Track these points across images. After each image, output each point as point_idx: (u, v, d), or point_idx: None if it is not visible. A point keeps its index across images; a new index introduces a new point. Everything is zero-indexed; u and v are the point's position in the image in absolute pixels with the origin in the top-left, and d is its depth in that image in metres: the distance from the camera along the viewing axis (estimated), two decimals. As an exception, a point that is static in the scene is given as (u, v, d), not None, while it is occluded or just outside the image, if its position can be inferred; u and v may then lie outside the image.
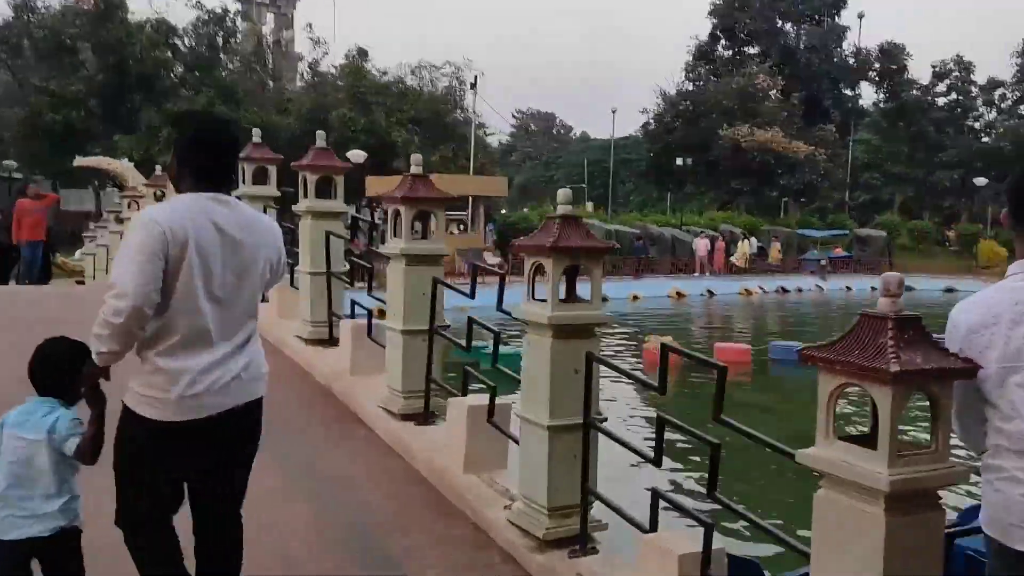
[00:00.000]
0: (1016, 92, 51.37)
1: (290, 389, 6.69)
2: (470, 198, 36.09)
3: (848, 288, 39.16)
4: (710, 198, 49.94)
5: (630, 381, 12.72)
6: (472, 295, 5.70)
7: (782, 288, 37.08)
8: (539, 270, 4.22)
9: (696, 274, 35.84)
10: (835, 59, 51.84)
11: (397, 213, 5.82)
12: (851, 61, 52.37)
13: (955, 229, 51.35)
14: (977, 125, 53.42)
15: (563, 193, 4.28)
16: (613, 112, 72.86)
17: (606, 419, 4.32)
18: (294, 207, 7.45)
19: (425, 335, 5.75)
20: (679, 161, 42.24)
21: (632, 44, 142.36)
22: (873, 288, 40.15)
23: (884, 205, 58.77)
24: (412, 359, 5.76)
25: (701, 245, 36.87)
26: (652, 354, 15.94)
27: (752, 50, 53.39)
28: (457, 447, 5.07)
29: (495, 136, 64.89)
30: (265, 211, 8.99)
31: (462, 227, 35.91)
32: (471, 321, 5.34)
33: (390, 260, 5.88)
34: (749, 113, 44.86)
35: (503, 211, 36.86)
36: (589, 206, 61.58)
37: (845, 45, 52.27)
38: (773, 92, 46.34)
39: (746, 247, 38.53)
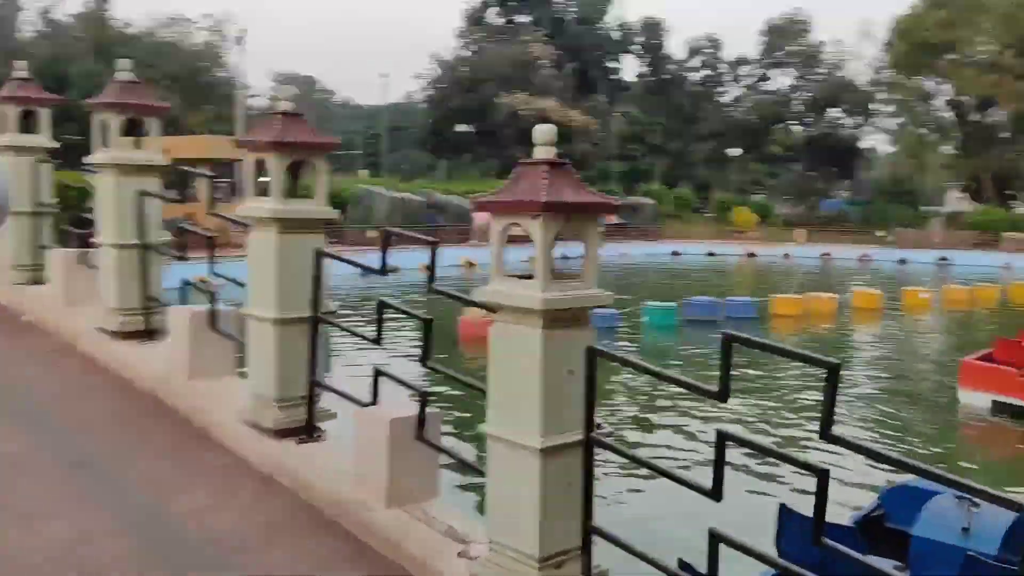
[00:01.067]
0: (760, 69, 55.70)
1: (101, 401, 4.98)
2: (234, 164, 33.20)
3: (625, 254, 40.66)
4: (489, 166, 49.83)
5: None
6: (383, 270, 4.42)
7: (564, 255, 37.52)
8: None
9: (475, 242, 35.45)
10: (601, 32, 53.36)
11: (261, 164, 4.38)
12: (615, 34, 54.16)
13: (711, 197, 55.19)
14: (726, 99, 57.41)
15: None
16: (384, 77, 71.11)
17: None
18: (88, 159, 5.65)
19: (306, 324, 4.38)
20: (460, 128, 41.53)
21: (401, 7, 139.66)
22: (648, 254, 42.23)
23: (644, 174, 61.95)
24: (290, 356, 4.35)
25: (481, 215, 36.40)
26: (472, 327, 15.06)
27: (524, 18, 53.76)
28: (375, 474, 3.80)
29: (258, 99, 60.79)
30: (39, 166, 7.03)
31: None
32: (382, 305, 4.05)
33: (252, 227, 4.42)
34: (525, 82, 45.03)
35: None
36: (364, 172, 59.64)
37: (609, 18, 53.97)
38: (545, 62, 46.84)
39: None
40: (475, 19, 53.64)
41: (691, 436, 10.01)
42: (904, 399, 12.35)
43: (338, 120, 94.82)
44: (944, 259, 38.16)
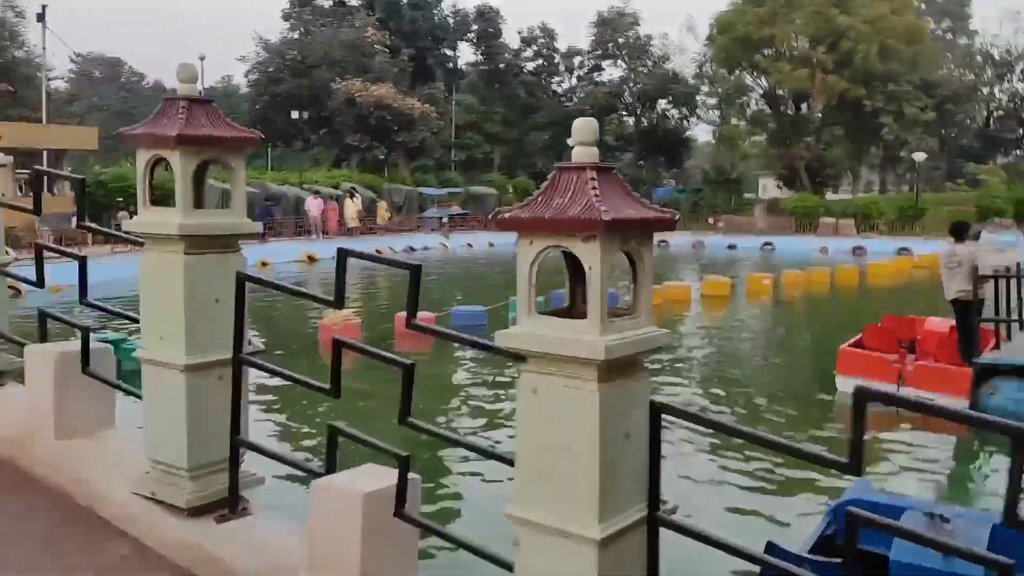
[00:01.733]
0: (592, 60, 56.75)
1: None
2: (45, 152, 30.24)
3: (470, 245, 40.19)
4: (323, 155, 47.91)
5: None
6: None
7: (410, 247, 36.74)
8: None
9: (313, 236, 33.65)
10: (436, 18, 52.51)
11: (156, 164, 3.45)
12: (451, 21, 53.46)
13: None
14: (560, 90, 58.15)
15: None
16: (202, 60, 66.98)
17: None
18: None
19: (225, 369, 3.47)
20: (294, 114, 39.51)
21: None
22: (491, 243, 41.91)
23: (482, 163, 61.82)
24: (206, 411, 3.43)
25: (314, 205, 34.41)
26: (330, 329, 13.96)
27: (354, 1, 52.02)
28: (344, 562, 2.97)
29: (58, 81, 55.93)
30: None
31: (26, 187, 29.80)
32: (338, 345, 3.22)
33: (148, 247, 3.47)
34: (360, 68, 43.51)
35: (96, 167, 31.18)
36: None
37: (444, 4, 53.22)
38: (380, 47, 45.47)
39: (356, 206, 37.11)
40: (302, 0, 51.37)
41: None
42: (777, 387, 12.54)
43: (150, 105, 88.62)
44: (768, 244, 40.35)
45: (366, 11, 48.30)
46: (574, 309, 2.68)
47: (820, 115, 46.65)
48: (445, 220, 41.52)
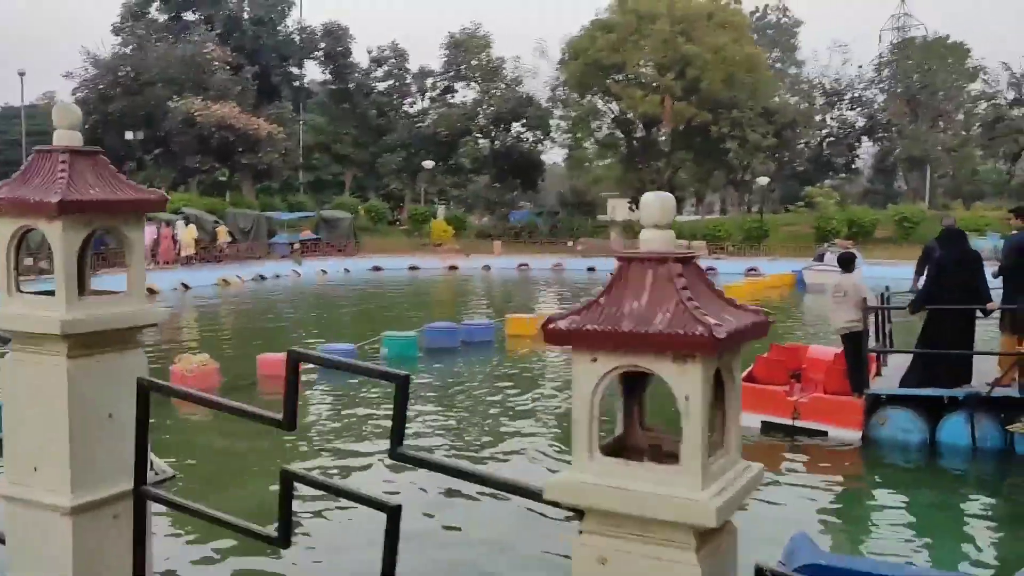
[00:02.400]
0: (444, 81, 56.39)
1: None
2: None
3: (324, 271, 38.63)
4: (160, 176, 44.97)
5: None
6: (291, 422, 2.80)
7: (260, 275, 34.85)
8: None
9: (149, 266, 31.16)
10: (281, 35, 50.69)
11: (25, 236, 2.66)
12: (296, 38, 51.76)
13: (406, 209, 54.79)
14: (412, 111, 57.42)
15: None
16: (21, 76, 62.08)
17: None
18: None
19: (124, 504, 2.66)
20: (128, 135, 36.82)
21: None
22: (347, 270, 40.52)
23: (332, 185, 60.12)
24: (96, 562, 2.61)
25: (147, 232, 32.19)
26: (182, 377, 12.64)
27: (191, 16, 49.41)
28: None
29: None
30: None
31: None
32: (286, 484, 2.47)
33: (15, 346, 2.65)
34: (200, 85, 41.18)
35: None
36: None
37: (290, 21, 51.42)
38: (221, 64, 43.24)
39: (193, 232, 34.34)
40: (135, 14, 48.31)
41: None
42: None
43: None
44: (625, 266, 41.14)
45: (205, 26, 45.88)
46: (627, 440, 2.16)
47: (669, 139, 48.28)
48: (296, 245, 39.85)
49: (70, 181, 2.41)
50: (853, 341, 10.25)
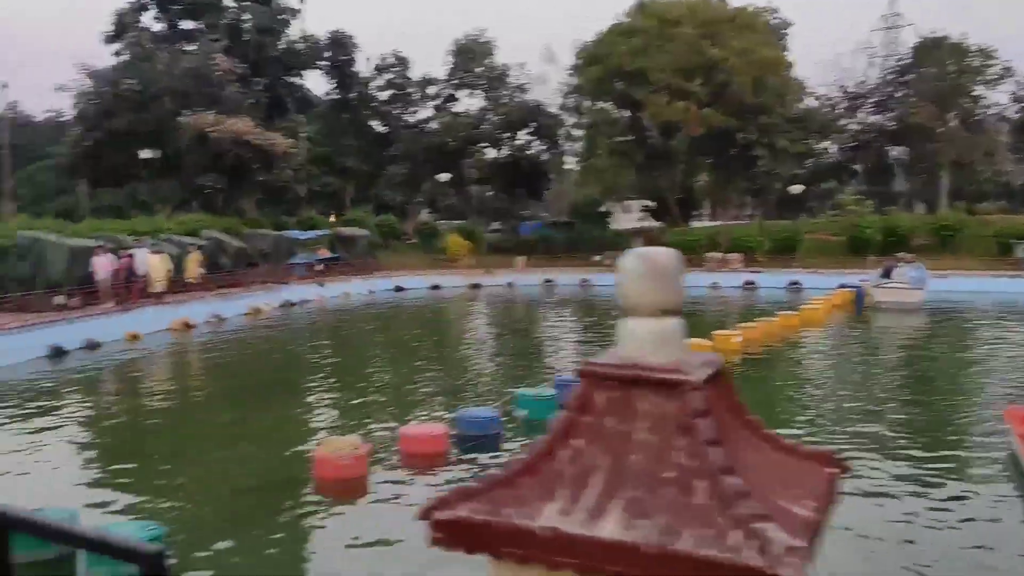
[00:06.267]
0: (448, 89, 54.48)
1: None
2: None
3: (347, 294, 36.57)
4: (165, 197, 42.51)
5: None
6: None
7: (288, 301, 32.68)
8: None
9: (107, 306, 24.81)
10: (284, 45, 48.42)
11: None
12: (300, 47, 49.51)
13: (414, 223, 52.82)
14: (414, 120, 55.41)
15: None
16: (3, 87, 59.05)
17: None
18: None
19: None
20: (145, 153, 34.41)
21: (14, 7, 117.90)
22: (371, 291, 38.49)
23: (331, 199, 57.83)
24: None
25: (101, 266, 25.37)
26: (329, 467, 10.75)
27: (190, 25, 46.99)
28: None
29: None
30: None
31: None
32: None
33: None
34: (210, 99, 38.87)
35: None
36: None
37: (293, 30, 49.18)
38: (226, 76, 40.94)
39: (197, 257, 30.28)
40: (128, 24, 45.73)
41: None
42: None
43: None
44: (659, 280, 39.43)
45: (208, 36, 43.52)
46: None
47: (687, 146, 46.91)
48: (320, 267, 37.72)
49: None
50: None
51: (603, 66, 44.35)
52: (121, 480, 11.69)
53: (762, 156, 43.05)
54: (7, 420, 15.32)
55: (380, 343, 25.75)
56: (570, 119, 51.80)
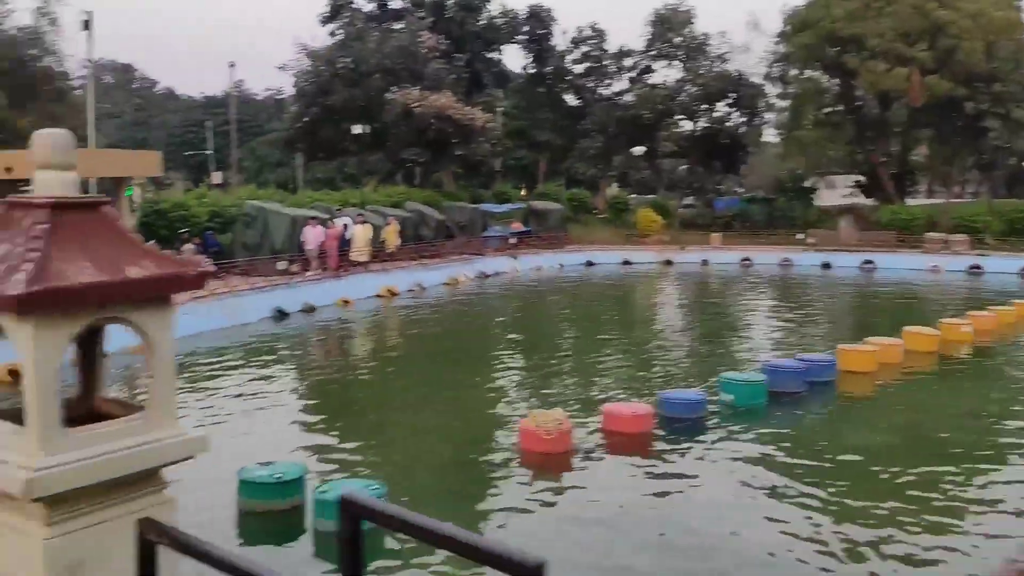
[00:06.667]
0: (645, 60, 53.34)
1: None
2: (93, 182, 27.13)
3: (539, 267, 36.93)
4: (373, 170, 44.61)
5: None
6: None
7: (483, 273, 33.44)
8: None
9: (315, 273, 26.02)
10: (484, 20, 49.16)
11: None
12: (500, 22, 50.11)
13: (603, 197, 52.48)
14: (608, 92, 54.73)
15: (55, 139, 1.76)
16: (232, 66, 64.02)
17: None
18: None
19: None
20: (356, 129, 36.21)
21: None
22: (561, 265, 38.69)
23: (526, 173, 58.43)
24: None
25: (312, 235, 26.47)
26: (536, 438, 10.76)
27: (398, 3, 48.73)
28: None
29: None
30: None
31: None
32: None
33: None
34: (415, 75, 40.17)
35: (148, 194, 27.90)
36: (218, 176, 52.56)
37: (493, 6, 49.80)
38: (431, 53, 42.09)
39: (395, 228, 30.66)
40: (342, 5, 48.01)
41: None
42: None
43: (163, 115, 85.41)
44: (869, 263, 36.95)
45: (416, 14, 44.94)
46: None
47: (905, 116, 43.40)
48: (513, 240, 38.23)
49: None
50: None
51: (814, 32, 41.70)
52: (334, 435, 12.30)
53: (994, 128, 39.03)
54: (234, 372, 16.55)
55: (573, 318, 25.76)
56: (774, 89, 49.29)
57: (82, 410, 1.49)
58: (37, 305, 1.33)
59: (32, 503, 1.32)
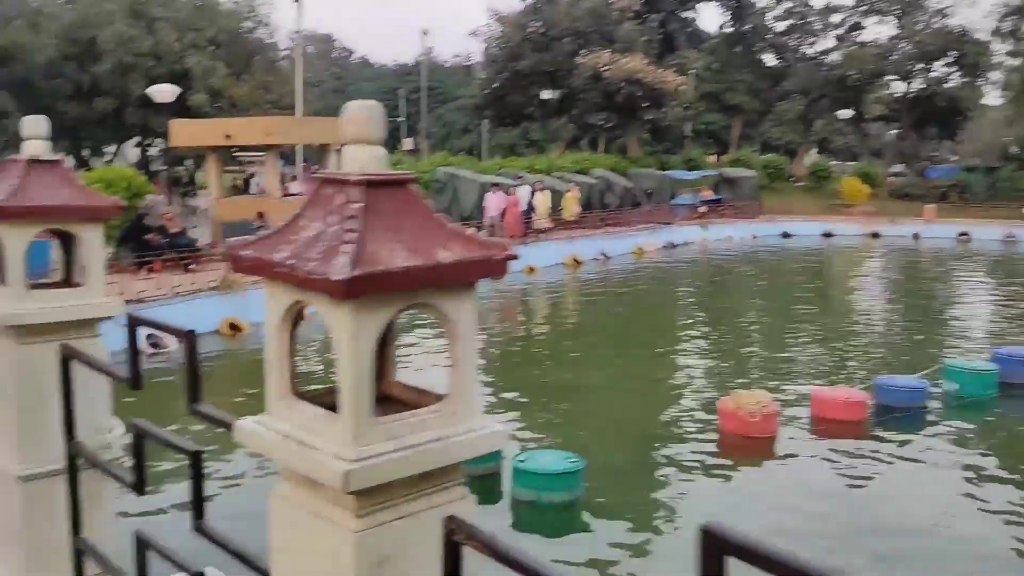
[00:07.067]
0: (855, 17, 49.71)
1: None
2: (297, 149, 28.58)
3: (730, 237, 35.51)
4: (556, 135, 44.48)
5: None
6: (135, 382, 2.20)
7: (670, 243, 32.54)
8: None
9: (507, 239, 27.54)
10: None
11: None
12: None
13: (800, 163, 49.76)
14: (812, 51, 51.53)
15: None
16: (424, 34, 65.64)
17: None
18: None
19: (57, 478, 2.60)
20: (545, 94, 36.14)
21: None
22: (754, 236, 37.05)
23: (717, 138, 56.32)
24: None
25: (494, 202, 26.59)
26: (737, 419, 10.19)
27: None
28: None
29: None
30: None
31: (240, 183, 27.84)
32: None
33: None
34: (605, 38, 39.43)
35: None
36: (408, 143, 54.32)
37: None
38: (623, 13, 41.07)
39: (576, 196, 30.23)
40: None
41: None
42: None
43: (360, 82, 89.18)
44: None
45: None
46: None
47: None
48: (702, 208, 36.94)
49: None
50: None
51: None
52: (523, 402, 12.18)
53: None
54: (424, 329, 16.70)
55: (769, 293, 24.49)
56: (1003, 46, 44.41)
57: (376, 395, 1.40)
58: (359, 290, 1.29)
59: (346, 494, 1.34)
